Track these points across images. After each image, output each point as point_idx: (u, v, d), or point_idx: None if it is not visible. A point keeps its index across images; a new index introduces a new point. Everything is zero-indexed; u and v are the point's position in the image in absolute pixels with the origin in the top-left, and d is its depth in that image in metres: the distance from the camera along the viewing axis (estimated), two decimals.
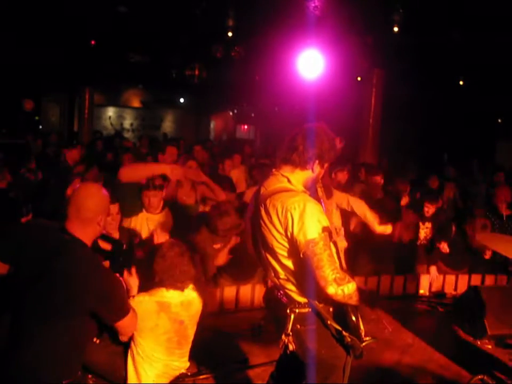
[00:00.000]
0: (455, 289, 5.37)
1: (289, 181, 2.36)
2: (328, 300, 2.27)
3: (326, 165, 2.42)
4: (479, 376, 3.44)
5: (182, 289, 2.91)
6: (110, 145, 10.04)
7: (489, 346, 4.15)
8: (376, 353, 3.85)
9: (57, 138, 10.40)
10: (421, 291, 5.30)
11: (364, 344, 2.32)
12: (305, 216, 2.17)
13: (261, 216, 2.33)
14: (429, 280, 5.33)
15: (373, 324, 4.31)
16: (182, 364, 3.01)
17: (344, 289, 2.14)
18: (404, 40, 8.12)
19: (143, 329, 2.79)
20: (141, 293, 2.91)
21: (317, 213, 2.21)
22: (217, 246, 4.29)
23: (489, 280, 5.37)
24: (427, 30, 7.63)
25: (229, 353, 3.75)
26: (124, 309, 2.47)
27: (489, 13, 6.71)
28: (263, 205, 2.33)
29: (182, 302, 2.91)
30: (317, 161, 2.37)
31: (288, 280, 2.35)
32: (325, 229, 2.18)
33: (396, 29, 7.94)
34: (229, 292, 4.45)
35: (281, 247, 2.28)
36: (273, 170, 2.44)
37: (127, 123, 19.22)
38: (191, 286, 2.98)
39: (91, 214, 2.33)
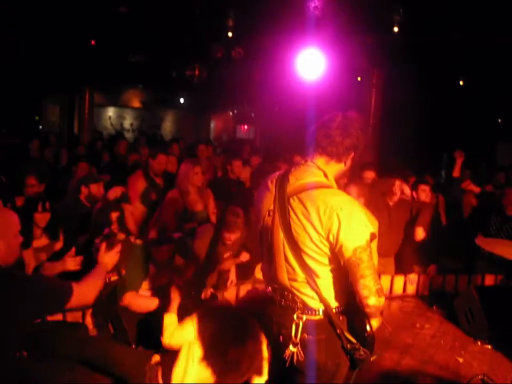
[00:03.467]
0: (455, 289, 5.36)
1: (325, 175, 2.19)
2: (344, 308, 2.18)
3: (355, 159, 2.28)
4: (479, 376, 3.44)
5: None
6: (112, 145, 10.02)
7: (489, 347, 4.14)
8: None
9: (56, 139, 10.37)
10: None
11: (373, 358, 2.21)
12: (353, 219, 2.03)
13: (294, 210, 2.13)
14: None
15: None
16: None
17: (381, 301, 2.07)
18: (404, 40, 8.12)
19: None
20: None
21: (365, 217, 2.09)
22: (226, 255, 4.36)
23: (489, 280, 5.37)
24: (427, 30, 7.62)
25: None
26: (61, 296, 2.34)
27: (489, 13, 6.70)
28: (296, 197, 2.13)
29: None
30: (352, 154, 2.22)
31: (307, 283, 2.16)
32: (372, 236, 2.07)
33: (396, 29, 7.94)
34: (229, 291, 4.44)
35: (314, 249, 2.11)
36: (308, 160, 2.24)
37: (127, 123, 19.21)
38: None
39: None
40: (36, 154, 7.86)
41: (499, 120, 13.40)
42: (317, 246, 2.10)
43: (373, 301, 2.04)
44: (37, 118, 15.79)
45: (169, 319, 2.82)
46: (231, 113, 19.63)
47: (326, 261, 2.13)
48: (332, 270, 2.15)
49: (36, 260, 3.99)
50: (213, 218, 5.11)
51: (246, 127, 19.49)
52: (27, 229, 3.95)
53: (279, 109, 14.62)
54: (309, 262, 2.14)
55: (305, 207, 2.09)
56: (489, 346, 4.13)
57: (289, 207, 2.15)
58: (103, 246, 2.71)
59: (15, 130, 12.52)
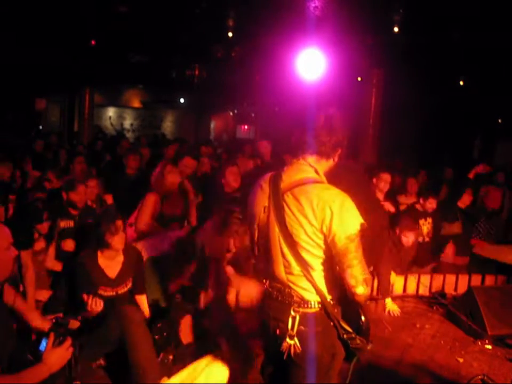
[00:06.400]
0: (455, 289, 5.37)
1: (316, 171, 2.29)
2: (338, 298, 2.26)
3: (343, 154, 2.37)
4: (479, 376, 3.44)
5: None
6: (112, 146, 10.01)
7: (489, 347, 4.15)
8: (376, 353, 3.86)
9: (57, 139, 10.38)
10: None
11: (369, 347, 2.27)
12: (344, 210, 2.12)
13: (288, 205, 2.22)
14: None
15: (372, 323, 4.31)
16: None
17: (368, 290, 2.16)
18: (404, 40, 8.12)
19: None
20: None
21: (355, 208, 2.17)
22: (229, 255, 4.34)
23: (489, 280, 5.37)
24: (427, 30, 7.63)
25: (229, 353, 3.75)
26: None
27: (489, 13, 6.70)
28: (290, 193, 2.22)
29: None
30: (340, 150, 2.33)
31: (303, 276, 2.23)
32: (362, 226, 2.15)
33: (396, 29, 7.95)
34: (229, 292, 4.44)
35: (309, 241, 2.18)
36: (300, 158, 2.33)
37: (127, 123, 19.23)
38: None
39: None
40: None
41: (499, 120, 13.41)
42: (311, 238, 2.18)
43: (360, 290, 2.13)
44: None
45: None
46: (231, 113, 19.64)
47: (320, 253, 2.21)
48: (325, 262, 2.22)
49: (35, 261, 3.93)
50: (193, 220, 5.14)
51: (246, 127, 19.50)
52: (28, 231, 3.93)
53: (279, 109, 14.63)
54: (304, 254, 2.21)
55: (299, 201, 2.18)
56: (489, 347, 4.13)
57: (284, 203, 2.24)
58: (50, 342, 2.21)
59: (15, 130, 12.51)
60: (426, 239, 5.56)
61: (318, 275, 2.23)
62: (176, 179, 4.94)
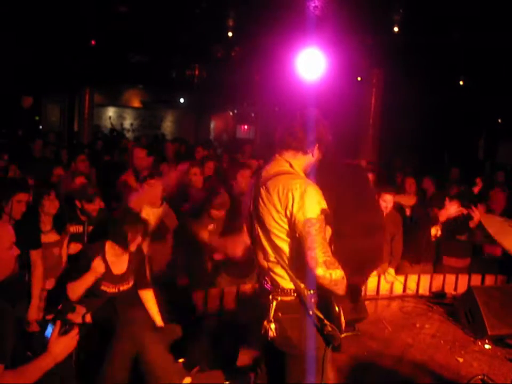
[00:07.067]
0: (455, 289, 5.37)
1: (291, 165, 2.45)
2: (315, 287, 2.31)
3: (323, 150, 2.51)
4: (479, 376, 3.44)
5: None
6: (112, 145, 10.02)
7: (489, 347, 4.14)
8: (376, 353, 3.86)
9: (55, 138, 10.37)
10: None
11: (343, 335, 2.35)
12: (306, 196, 2.24)
13: (261, 197, 2.41)
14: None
15: (372, 323, 4.31)
16: None
17: (332, 273, 2.18)
18: (404, 40, 8.13)
19: None
20: None
21: (317, 195, 2.28)
22: (210, 227, 4.47)
23: (489, 280, 5.37)
24: (427, 30, 7.63)
25: (229, 353, 3.75)
26: None
27: (489, 13, 6.70)
28: (264, 186, 2.40)
29: None
30: (317, 145, 2.47)
31: (277, 263, 2.38)
32: (323, 211, 2.24)
33: (396, 29, 7.95)
34: (229, 291, 4.44)
35: (277, 227, 2.33)
36: (276, 155, 2.50)
37: (127, 123, 19.24)
38: None
39: None
40: (38, 154, 7.84)
41: (499, 120, 13.41)
42: (278, 224, 2.33)
43: (320, 271, 2.18)
44: (37, 118, 15.80)
45: None
46: (231, 113, 19.64)
47: (290, 237, 2.34)
48: (297, 247, 2.31)
49: (49, 255, 3.94)
50: None
51: (246, 127, 19.50)
52: (35, 228, 3.92)
53: (279, 109, 14.63)
54: (276, 240, 2.36)
55: (268, 192, 2.37)
56: (489, 346, 4.13)
57: (259, 196, 2.43)
58: (55, 330, 2.19)
59: (15, 130, 12.52)
60: (433, 239, 5.53)
61: (291, 261, 2.36)
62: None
